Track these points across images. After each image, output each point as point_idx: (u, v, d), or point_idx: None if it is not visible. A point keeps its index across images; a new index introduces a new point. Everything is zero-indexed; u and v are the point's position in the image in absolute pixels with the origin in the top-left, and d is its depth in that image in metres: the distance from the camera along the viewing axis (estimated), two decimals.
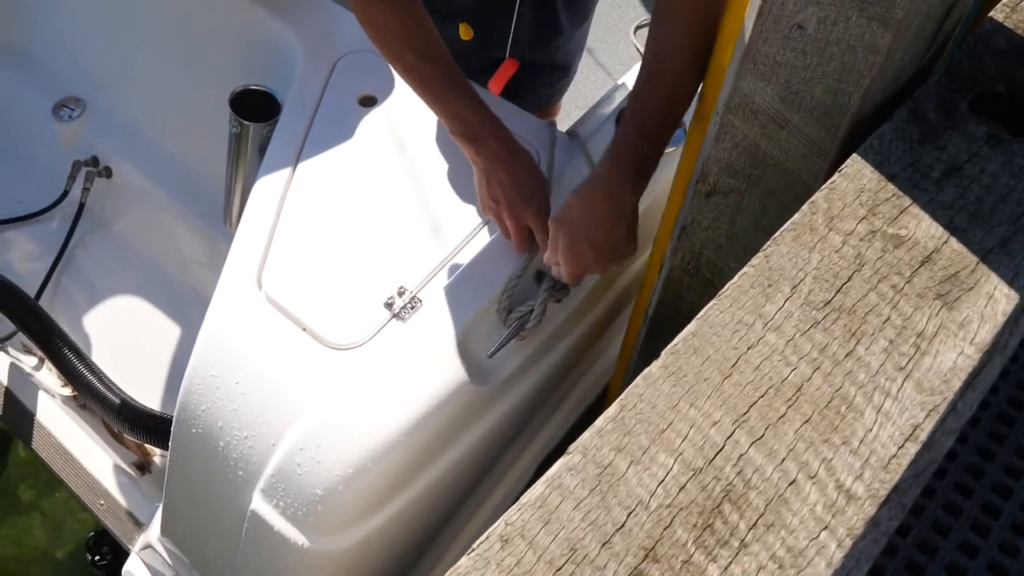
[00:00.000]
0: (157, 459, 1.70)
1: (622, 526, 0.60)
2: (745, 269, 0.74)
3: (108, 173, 2.04)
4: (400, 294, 1.21)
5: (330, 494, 1.11)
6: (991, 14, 0.94)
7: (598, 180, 1.14)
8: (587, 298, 1.33)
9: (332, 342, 1.17)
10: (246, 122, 1.57)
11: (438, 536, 1.39)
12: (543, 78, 1.73)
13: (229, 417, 1.17)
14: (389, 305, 1.20)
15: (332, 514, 1.12)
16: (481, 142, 1.18)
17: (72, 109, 2.07)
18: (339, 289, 1.22)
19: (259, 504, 1.15)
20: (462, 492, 1.38)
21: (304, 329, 1.18)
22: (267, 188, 1.33)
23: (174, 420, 1.24)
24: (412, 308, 1.20)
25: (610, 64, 3.04)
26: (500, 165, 1.18)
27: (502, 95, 1.65)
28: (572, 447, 0.65)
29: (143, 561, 1.51)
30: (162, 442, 1.47)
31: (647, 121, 1.12)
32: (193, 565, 1.43)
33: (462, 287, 1.22)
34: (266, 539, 1.16)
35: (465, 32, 1.53)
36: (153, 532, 1.48)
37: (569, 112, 2.43)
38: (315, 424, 1.12)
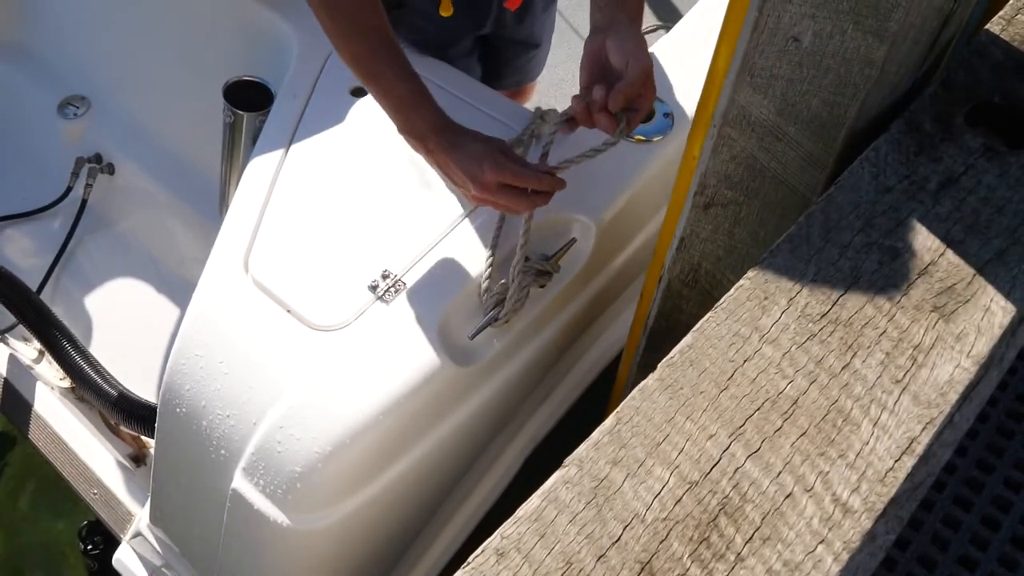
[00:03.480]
0: (152, 452, 1.71)
1: (618, 540, 0.60)
2: (741, 282, 0.74)
3: (111, 170, 2.06)
4: (384, 277, 1.22)
5: (309, 472, 1.12)
6: (987, 26, 0.95)
7: (628, 23, 1.16)
8: (572, 284, 1.33)
9: (316, 323, 1.19)
10: (239, 111, 1.60)
11: (425, 526, 1.40)
12: (520, 55, 1.84)
13: (212, 396, 1.18)
14: (373, 288, 1.22)
15: (311, 492, 1.14)
16: (426, 139, 1.17)
17: (76, 107, 2.09)
18: (325, 272, 1.24)
19: (240, 483, 1.16)
20: (448, 479, 1.39)
21: (289, 311, 1.20)
22: (257, 174, 1.35)
23: (159, 400, 1.26)
24: (396, 291, 1.21)
25: None
26: (445, 152, 1.16)
27: (485, 77, 1.75)
28: (568, 460, 0.65)
29: (133, 550, 1.52)
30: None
31: None
32: (181, 552, 1.44)
33: (446, 271, 1.24)
34: (247, 518, 1.17)
35: (445, 8, 1.54)
36: (143, 521, 1.50)
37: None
38: (296, 403, 1.14)
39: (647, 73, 1.13)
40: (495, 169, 1.13)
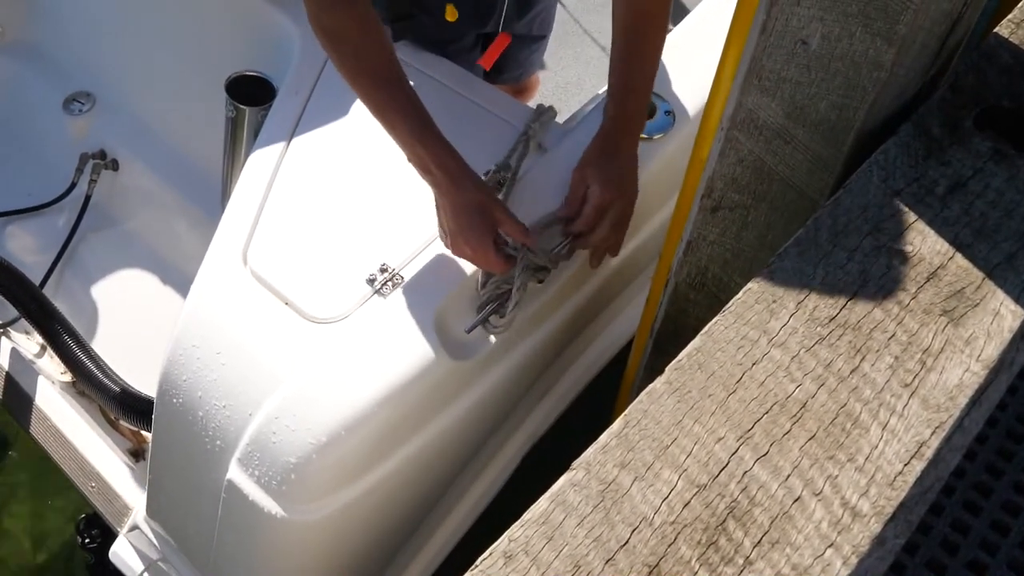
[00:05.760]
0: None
1: (626, 543, 0.60)
2: (750, 285, 0.74)
3: (115, 166, 2.06)
4: (382, 271, 1.23)
5: (303, 463, 1.12)
6: (996, 29, 0.94)
7: (619, 146, 1.25)
8: (569, 281, 1.33)
9: (313, 316, 1.20)
10: (241, 106, 1.61)
11: (422, 522, 1.40)
12: (524, 48, 1.85)
13: (209, 387, 1.19)
14: (371, 281, 1.23)
15: (305, 483, 1.14)
16: (430, 174, 1.20)
17: (82, 103, 2.11)
18: (323, 266, 1.25)
19: (235, 473, 1.17)
20: (446, 474, 1.39)
21: (287, 303, 1.21)
22: (257, 167, 1.36)
23: (156, 391, 1.26)
24: (393, 285, 1.22)
25: None
26: (443, 195, 1.20)
27: (487, 72, 1.74)
28: (576, 463, 0.65)
29: (130, 542, 1.53)
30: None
31: (636, 84, 1.27)
32: (178, 546, 1.45)
33: (443, 265, 1.24)
34: (242, 509, 1.18)
35: (451, 13, 1.56)
36: (140, 514, 1.50)
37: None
38: (292, 394, 1.14)
39: (600, 210, 1.23)
40: (471, 251, 1.19)
